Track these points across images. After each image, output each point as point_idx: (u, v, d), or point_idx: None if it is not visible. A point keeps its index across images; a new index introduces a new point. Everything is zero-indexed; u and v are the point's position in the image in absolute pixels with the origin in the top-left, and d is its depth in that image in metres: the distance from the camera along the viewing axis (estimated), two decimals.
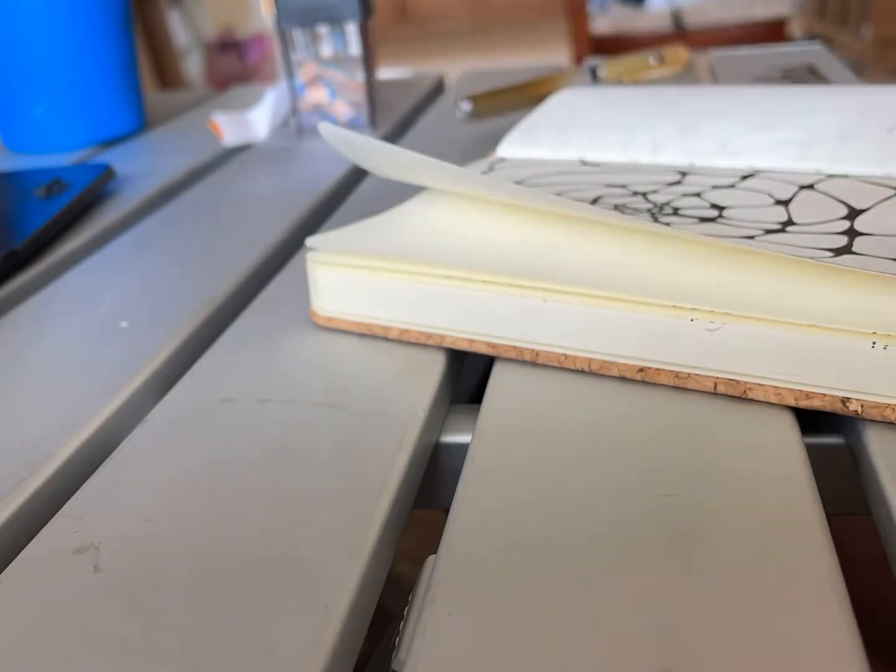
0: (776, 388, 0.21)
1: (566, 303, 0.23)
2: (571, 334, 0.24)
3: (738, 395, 0.22)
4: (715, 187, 0.31)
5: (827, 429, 0.23)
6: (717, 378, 0.22)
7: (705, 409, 0.22)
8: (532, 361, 0.25)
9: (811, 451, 0.20)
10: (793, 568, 0.17)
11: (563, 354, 0.24)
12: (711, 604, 0.16)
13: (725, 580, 0.17)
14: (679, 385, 0.23)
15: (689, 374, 0.22)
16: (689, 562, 0.17)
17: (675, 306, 0.22)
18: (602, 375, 0.24)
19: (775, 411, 0.22)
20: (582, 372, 0.24)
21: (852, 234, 0.25)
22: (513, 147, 0.38)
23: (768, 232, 0.26)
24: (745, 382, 0.22)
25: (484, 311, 0.25)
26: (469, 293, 0.25)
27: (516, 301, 0.24)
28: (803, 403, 0.21)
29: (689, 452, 0.21)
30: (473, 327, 0.25)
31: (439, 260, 0.26)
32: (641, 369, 0.23)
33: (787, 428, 0.21)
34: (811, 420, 0.23)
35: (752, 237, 0.26)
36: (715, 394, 0.23)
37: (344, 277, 0.27)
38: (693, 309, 0.22)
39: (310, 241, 0.28)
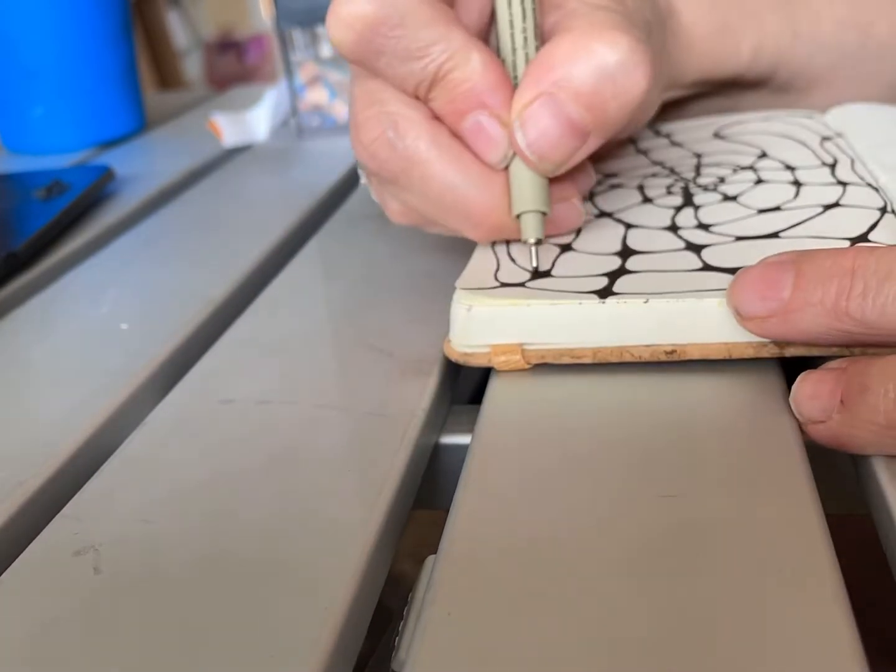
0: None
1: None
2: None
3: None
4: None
5: None
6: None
7: (705, 410, 0.22)
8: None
9: (811, 451, 0.20)
10: (792, 568, 0.17)
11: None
12: (711, 604, 0.16)
13: (725, 580, 0.17)
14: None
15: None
16: (688, 562, 0.17)
17: None
18: (608, 374, 0.24)
19: (776, 411, 0.22)
20: (582, 371, 0.24)
21: None
22: None
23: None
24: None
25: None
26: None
27: None
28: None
29: (689, 452, 0.21)
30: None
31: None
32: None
33: (787, 427, 0.21)
34: None
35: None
36: (715, 394, 0.23)
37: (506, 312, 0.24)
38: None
39: (460, 282, 0.25)
